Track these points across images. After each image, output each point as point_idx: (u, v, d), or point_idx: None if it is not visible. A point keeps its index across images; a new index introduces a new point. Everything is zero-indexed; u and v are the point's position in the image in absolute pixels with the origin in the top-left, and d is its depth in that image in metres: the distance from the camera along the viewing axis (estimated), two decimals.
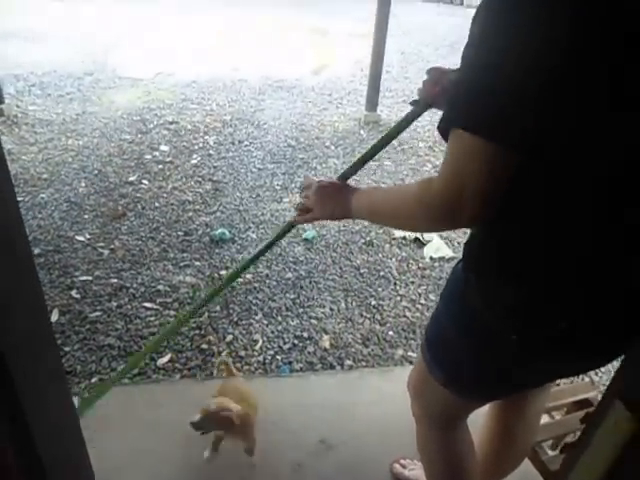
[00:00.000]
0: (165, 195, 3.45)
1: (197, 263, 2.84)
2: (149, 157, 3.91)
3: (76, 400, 1.88)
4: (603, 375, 2.31)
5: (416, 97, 1.27)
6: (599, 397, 1.68)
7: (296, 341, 2.39)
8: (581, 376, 2.16)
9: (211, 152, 4.05)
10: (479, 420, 1.43)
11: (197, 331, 2.39)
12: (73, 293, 2.57)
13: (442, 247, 3.08)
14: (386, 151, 4.14)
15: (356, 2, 8.27)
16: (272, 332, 2.42)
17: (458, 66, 0.81)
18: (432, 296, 2.72)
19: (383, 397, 2.02)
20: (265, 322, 2.48)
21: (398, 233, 3.19)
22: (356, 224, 3.25)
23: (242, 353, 2.30)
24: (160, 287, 2.64)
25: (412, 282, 2.82)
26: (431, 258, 3.01)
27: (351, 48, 6.71)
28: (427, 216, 0.87)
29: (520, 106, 0.72)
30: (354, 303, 2.65)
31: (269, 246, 1.52)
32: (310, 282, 2.76)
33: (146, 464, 1.72)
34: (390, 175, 3.89)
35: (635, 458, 0.76)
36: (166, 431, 1.63)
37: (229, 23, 7.48)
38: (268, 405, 1.83)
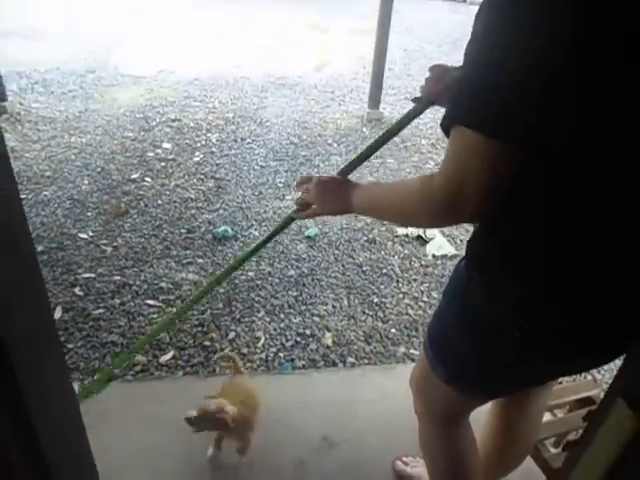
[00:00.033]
0: (168, 193, 3.45)
1: (200, 260, 2.84)
2: (152, 155, 3.92)
3: (76, 386, 1.89)
4: (606, 373, 2.31)
5: (418, 94, 1.27)
6: (601, 395, 1.68)
7: (298, 338, 2.39)
8: (583, 374, 2.16)
9: (213, 150, 4.05)
10: (481, 417, 1.43)
11: (200, 328, 2.40)
12: (76, 290, 2.57)
13: (445, 245, 3.08)
14: (388, 148, 4.14)
15: None
16: (274, 329, 2.43)
17: (461, 63, 0.81)
18: (434, 294, 2.72)
19: (385, 394, 2.02)
20: (268, 319, 2.48)
21: (401, 231, 3.18)
22: (358, 222, 3.25)
23: (244, 350, 2.30)
24: (163, 284, 2.64)
25: (414, 280, 2.82)
26: (434, 256, 3.01)
27: (353, 45, 6.69)
28: (429, 211, 0.87)
29: (523, 103, 0.72)
30: (356, 300, 2.65)
31: (269, 239, 1.51)
32: (312, 280, 2.76)
33: (148, 460, 1.73)
34: (393, 173, 3.89)
35: (637, 456, 0.76)
36: (168, 428, 1.64)
37: (231, 20, 7.47)
38: (270, 402, 1.84)
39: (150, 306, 2.50)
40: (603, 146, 0.77)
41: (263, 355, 2.29)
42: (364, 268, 2.88)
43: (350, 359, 2.30)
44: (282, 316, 2.51)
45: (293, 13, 7.98)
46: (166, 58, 5.87)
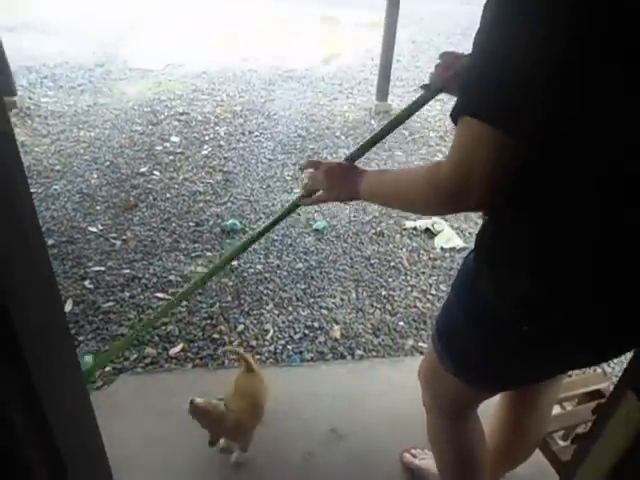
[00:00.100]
0: (176, 186, 3.46)
1: (208, 254, 2.85)
2: (160, 148, 3.93)
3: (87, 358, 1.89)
4: (615, 366, 2.30)
5: (427, 82, 1.26)
6: (611, 388, 1.67)
7: (307, 331, 2.40)
8: (593, 367, 2.15)
9: (222, 143, 4.05)
10: (490, 410, 1.42)
11: (209, 321, 2.41)
12: (86, 283, 2.59)
13: (453, 237, 3.07)
14: (397, 141, 4.12)
15: None
16: (283, 322, 2.44)
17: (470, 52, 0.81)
18: (443, 287, 2.72)
19: (393, 387, 2.02)
20: (276, 312, 2.49)
21: (409, 223, 3.18)
22: (366, 214, 3.24)
23: (253, 343, 2.31)
24: (172, 277, 2.66)
25: (423, 272, 2.82)
26: (442, 248, 3.00)
27: (361, 37, 6.65)
28: (435, 198, 0.87)
29: (530, 98, 0.72)
30: (365, 293, 2.65)
31: (274, 223, 1.51)
32: (321, 272, 2.77)
33: (158, 452, 1.74)
34: (400, 165, 3.87)
35: None
36: (178, 420, 1.65)
37: (238, 13, 7.45)
38: (279, 394, 1.85)
39: (159, 299, 2.52)
40: (606, 143, 0.76)
41: (272, 348, 2.30)
42: (372, 261, 2.88)
43: (358, 352, 2.31)
44: (290, 309, 2.52)
45: (301, 6, 7.94)
46: (174, 51, 5.87)
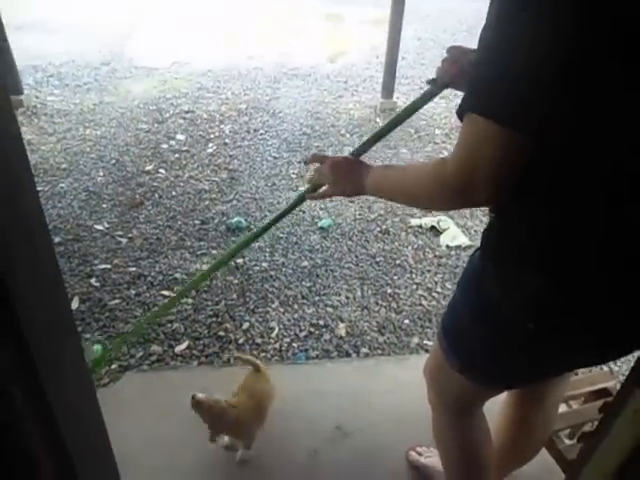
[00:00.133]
0: (182, 184, 3.47)
1: (214, 252, 2.85)
2: (165, 146, 3.93)
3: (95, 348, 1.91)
4: (622, 365, 2.29)
5: (434, 76, 1.26)
6: (618, 386, 1.67)
7: (312, 329, 2.40)
8: (600, 365, 2.14)
9: (227, 141, 4.06)
10: (496, 408, 1.42)
11: (214, 319, 2.42)
12: (93, 281, 2.61)
13: (459, 235, 3.06)
14: (402, 138, 4.11)
15: None
16: (288, 320, 2.44)
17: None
18: (448, 285, 2.71)
19: (399, 385, 2.02)
20: (281, 310, 2.49)
21: (414, 221, 3.17)
22: (372, 212, 3.24)
23: (259, 340, 2.32)
24: (177, 275, 2.67)
25: (428, 270, 2.81)
26: (447, 246, 2.99)
27: (367, 35, 6.63)
28: (440, 194, 0.88)
29: (536, 95, 0.72)
30: (370, 291, 2.65)
31: (279, 218, 1.51)
32: (326, 270, 2.77)
33: (163, 449, 1.75)
34: (406, 163, 3.86)
35: None
36: (183, 417, 1.66)
37: (244, 11, 7.45)
38: (284, 392, 1.85)
39: (165, 297, 2.53)
40: (609, 140, 0.76)
41: (277, 345, 2.30)
42: (377, 259, 2.87)
43: (363, 349, 2.31)
44: (296, 307, 2.52)
45: (306, 3, 7.92)
46: (179, 50, 5.87)
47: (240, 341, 2.31)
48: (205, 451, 1.76)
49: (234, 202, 3.30)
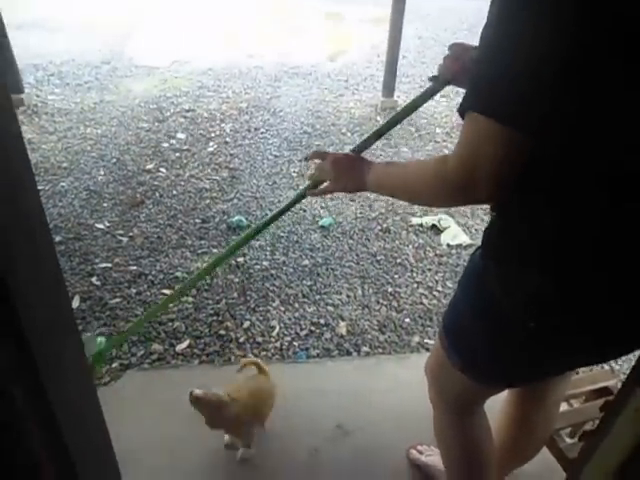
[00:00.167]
0: (182, 183, 3.47)
1: (214, 250, 2.85)
2: (166, 145, 3.93)
3: (100, 340, 1.91)
4: (623, 364, 2.29)
5: (436, 73, 1.26)
6: (619, 385, 1.67)
7: (313, 327, 2.40)
8: (600, 364, 2.14)
9: (227, 140, 4.06)
10: (497, 406, 1.42)
11: (215, 317, 2.42)
12: (93, 280, 2.61)
13: (459, 234, 3.06)
14: (403, 137, 4.11)
15: None
16: (289, 319, 2.44)
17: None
18: (449, 283, 2.71)
19: (399, 384, 2.02)
20: (282, 309, 2.50)
21: (415, 220, 3.17)
22: (373, 211, 3.24)
23: (259, 339, 2.32)
24: (178, 274, 2.67)
25: (429, 269, 2.81)
26: (448, 245, 2.99)
27: (367, 33, 6.63)
28: (442, 191, 0.88)
29: (537, 94, 0.72)
30: (371, 290, 2.65)
31: (280, 214, 1.51)
32: (327, 269, 2.77)
33: (164, 448, 1.75)
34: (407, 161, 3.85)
35: None
36: (184, 415, 1.66)
37: (244, 9, 7.44)
38: (285, 391, 1.85)
39: (166, 296, 2.52)
40: (608, 140, 0.76)
41: (278, 344, 2.30)
42: (378, 257, 2.87)
43: (364, 348, 2.31)
44: (296, 305, 2.52)
45: (307, 2, 7.92)
46: (180, 48, 5.87)
47: (241, 340, 2.31)
48: (206, 450, 1.76)
49: (235, 201, 3.30)
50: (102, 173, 3.53)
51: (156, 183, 3.45)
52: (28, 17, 6.49)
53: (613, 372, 2.12)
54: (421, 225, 3.14)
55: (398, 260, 2.86)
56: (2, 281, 0.48)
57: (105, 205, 3.20)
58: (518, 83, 0.72)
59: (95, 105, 4.51)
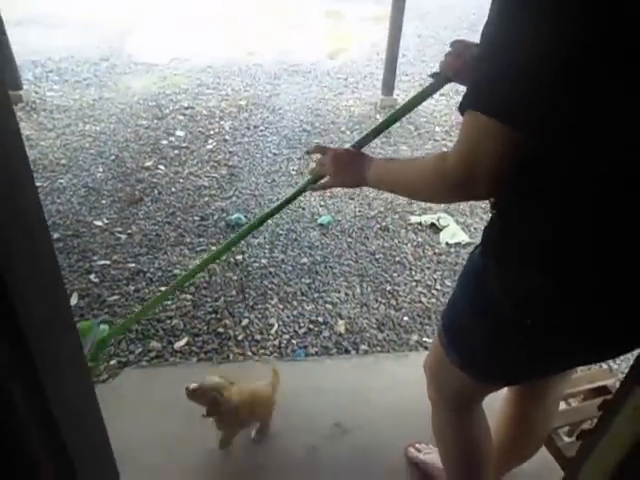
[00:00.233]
0: (181, 180, 3.46)
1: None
2: (165, 142, 3.93)
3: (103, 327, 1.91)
4: (622, 363, 2.29)
5: (437, 70, 1.26)
6: (617, 384, 1.67)
7: (311, 325, 2.40)
8: (599, 363, 2.14)
9: (227, 137, 4.05)
10: (496, 405, 1.42)
11: (213, 315, 2.42)
12: (92, 277, 2.60)
13: (458, 233, 3.06)
14: (402, 135, 4.11)
15: None
16: (288, 316, 2.44)
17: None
18: (448, 282, 2.71)
19: (398, 382, 2.03)
20: (281, 306, 2.49)
21: (414, 218, 3.17)
22: (372, 209, 3.24)
23: (258, 337, 2.32)
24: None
25: (428, 268, 2.81)
26: (447, 244, 2.99)
27: (367, 31, 6.62)
28: (442, 187, 0.89)
29: (537, 93, 0.72)
30: (369, 288, 2.65)
31: (280, 207, 1.51)
32: (325, 267, 2.77)
33: (162, 446, 1.75)
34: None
35: None
36: (182, 413, 1.66)
37: (244, 7, 7.43)
38: (283, 389, 1.85)
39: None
40: (607, 141, 0.76)
41: (276, 342, 2.30)
42: (377, 256, 2.87)
43: (363, 346, 2.31)
44: (295, 303, 2.52)
45: (307, 0, 7.91)
46: (179, 46, 5.85)
47: (239, 338, 2.31)
48: (204, 447, 1.76)
49: (234, 198, 3.30)
50: (101, 170, 3.52)
51: (155, 180, 3.44)
52: (27, 13, 6.48)
53: (611, 371, 2.12)
54: (420, 223, 3.14)
55: (397, 258, 2.86)
56: (0, 278, 0.48)
57: (104, 202, 3.19)
58: (518, 82, 0.72)
59: (94, 102, 4.50)
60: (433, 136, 4.23)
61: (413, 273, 2.77)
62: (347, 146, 1.32)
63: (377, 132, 1.34)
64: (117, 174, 3.49)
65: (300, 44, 6.18)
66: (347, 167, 1.20)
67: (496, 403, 1.42)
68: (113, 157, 3.68)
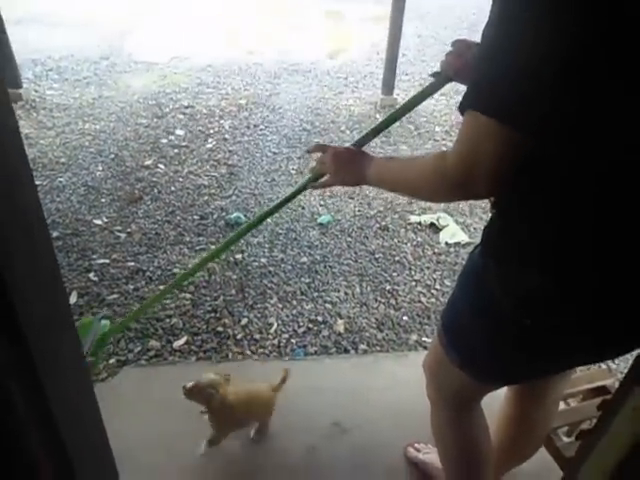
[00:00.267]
0: (181, 179, 3.46)
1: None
2: (165, 141, 3.92)
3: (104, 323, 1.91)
4: (620, 363, 2.29)
5: (437, 69, 1.26)
6: (616, 384, 1.67)
7: (311, 325, 2.40)
8: (598, 363, 2.14)
9: (226, 136, 4.05)
10: (495, 405, 1.42)
11: (213, 314, 2.42)
12: (91, 276, 2.60)
13: (458, 232, 3.06)
14: (402, 135, 4.11)
15: None
16: (287, 316, 2.44)
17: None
18: (447, 282, 2.71)
19: (397, 382, 2.02)
20: (280, 306, 2.49)
21: (414, 218, 3.17)
22: (371, 209, 3.24)
23: (257, 336, 2.32)
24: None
25: (427, 267, 2.81)
26: (447, 243, 2.99)
27: (367, 31, 6.62)
28: (442, 187, 0.89)
29: (538, 94, 0.72)
30: (369, 288, 2.65)
31: (280, 206, 1.51)
32: (325, 266, 2.77)
33: (161, 445, 1.75)
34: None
35: None
36: (181, 412, 1.66)
37: (244, 6, 7.42)
38: (282, 388, 1.85)
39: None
40: (607, 141, 0.76)
41: (275, 341, 2.30)
42: (377, 255, 2.87)
43: (362, 346, 2.31)
44: (294, 303, 2.52)
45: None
46: (179, 45, 5.85)
47: (238, 337, 2.31)
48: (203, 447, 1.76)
49: (233, 197, 3.29)
50: (100, 169, 3.52)
51: (154, 179, 3.44)
52: (27, 12, 6.47)
53: (610, 371, 2.12)
54: (420, 223, 3.14)
55: (396, 258, 2.86)
56: None
57: (103, 201, 3.19)
58: (518, 83, 0.73)
59: (94, 100, 4.50)
60: (433, 136, 4.23)
61: (413, 273, 2.77)
62: (347, 145, 1.32)
63: (377, 131, 1.34)
64: (117, 173, 3.48)
65: (300, 44, 6.18)
66: (347, 165, 1.20)
67: (496, 403, 1.42)
68: (113, 156, 3.68)
